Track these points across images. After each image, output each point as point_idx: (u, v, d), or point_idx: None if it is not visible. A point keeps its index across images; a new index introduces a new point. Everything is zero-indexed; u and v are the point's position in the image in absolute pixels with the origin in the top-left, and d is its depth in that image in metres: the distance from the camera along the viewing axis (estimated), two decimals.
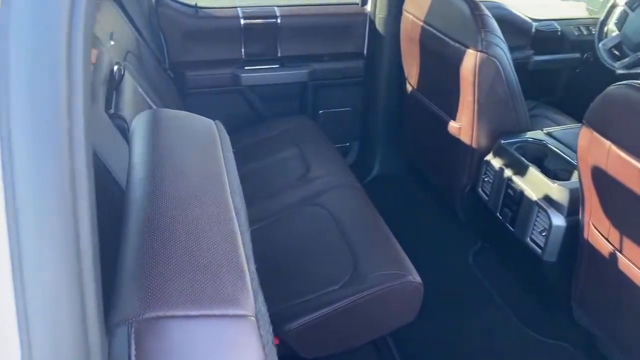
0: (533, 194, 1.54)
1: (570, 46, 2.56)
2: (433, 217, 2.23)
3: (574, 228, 1.44)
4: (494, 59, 1.64)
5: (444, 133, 1.90)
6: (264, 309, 0.56)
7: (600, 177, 1.20)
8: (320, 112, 2.39)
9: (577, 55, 2.56)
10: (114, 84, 1.16)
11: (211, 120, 0.89)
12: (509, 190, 1.64)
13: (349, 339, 1.42)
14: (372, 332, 1.46)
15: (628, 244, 1.21)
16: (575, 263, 1.46)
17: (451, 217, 2.07)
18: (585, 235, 1.37)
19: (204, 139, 0.80)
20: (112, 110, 1.11)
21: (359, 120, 2.47)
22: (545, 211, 1.49)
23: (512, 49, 2.56)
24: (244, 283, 0.54)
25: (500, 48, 1.65)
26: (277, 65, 2.26)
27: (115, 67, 1.20)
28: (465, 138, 1.82)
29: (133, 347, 0.49)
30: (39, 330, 0.40)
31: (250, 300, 0.54)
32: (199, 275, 0.54)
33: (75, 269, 0.42)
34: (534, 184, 1.56)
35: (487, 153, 1.77)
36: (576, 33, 2.57)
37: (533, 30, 2.50)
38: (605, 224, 1.27)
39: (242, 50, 2.20)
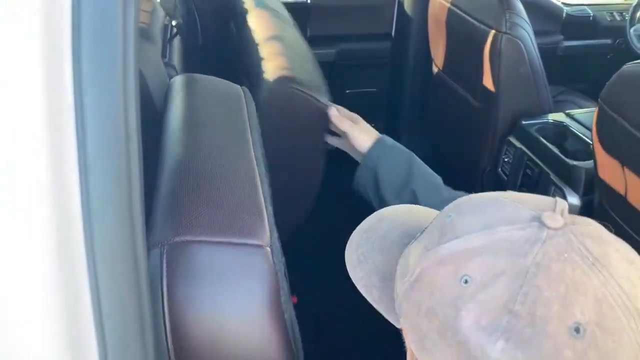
0: (550, 174, 1.58)
1: (602, 32, 2.54)
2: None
3: (589, 208, 1.47)
4: (517, 40, 1.66)
5: (466, 114, 1.93)
6: (278, 245, 0.64)
7: (612, 155, 1.23)
8: (347, 91, 2.45)
9: (609, 41, 2.54)
10: (167, 35, 1.26)
11: (239, 86, 0.97)
12: (527, 170, 1.68)
13: None
14: None
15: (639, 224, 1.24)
16: None
17: None
18: (599, 215, 1.41)
19: (233, 101, 0.88)
20: (166, 59, 1.21)
21: (385, 102, 2.52)
22: (562, 190, 1.53)
23: (541, 34, 2.56)
24: (261, 219, 0.62)
25: (525, 30, 1.67)
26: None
27: (174, 22, 1.30)
28: (486, 119, 1.85)
29: (165, 265, 0.57)
30: (100, 241, 0.46)
31: (267, 233, 0.61)
32: (223, 210, 0.62)
33: (127, 195, 0.48)
34: (552, 164, 1.59)
35: (508, 134, 1.80)
36: (609, 19, 2.54)
37: (564, 15, 2.49)
38: (619, 204, 1.30)
39: None
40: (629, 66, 1.12)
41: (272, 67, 1.16)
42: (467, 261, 0.44)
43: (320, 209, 1.44)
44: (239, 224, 0.61)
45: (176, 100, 0.83)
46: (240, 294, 0.59)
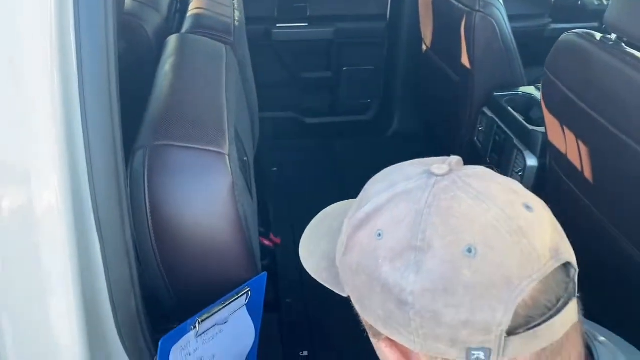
0: (514, 139, 1.74)
1: (589, 15, 2.66)
2: None
3: (545, 168, 1.63)
4: (490, 18, 1.83)
5: (448, 88, 2.10)
6: (236, 155, 0.83)
7: (555, 116, 1.39)
8: (345, 69, 2.63)
9: (596, 24, 2.66)
10: (173, 9, 1.47)
11: (223, 45, 1.17)
12: (496, 137, 1.85)
13: None
14: None
15: (581, 180, 1.40)
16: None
17: None
18: (550, 174, 1.57)
19: (214, 55, 1.08)
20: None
21: (380, 79, 2.69)
22: (522, 153, 1.69)
23: (529, 17, 2.71)
24: (223, 134, 0.82)
25: (497, 9, 1.83)
26: (306, 24, 2.50)
27: None
28: (464, 92, 2.02)
29: (147, 163, 0.78)
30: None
31: (227, 145, 0.81)
32: (194, 124, 0.82)
33: (108, 107, 0.67)
34: (515, 130, 1.76)
35: (483, 106, 1.97)
36: (596, 3, 2.67)
37: None
38: (563, 162, 1.46)
39: (275, 9, 2.46)
40: (565, 35, 1.28)
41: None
42: (377, 218, 0.51)
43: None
44: (205, 135, 0.81)
45: (168, 52, 1.04)
46: (204, 187, 0.79)
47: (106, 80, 0.59)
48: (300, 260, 0.63)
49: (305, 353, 1.54)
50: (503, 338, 0.47)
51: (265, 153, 2.03)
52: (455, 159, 0.53)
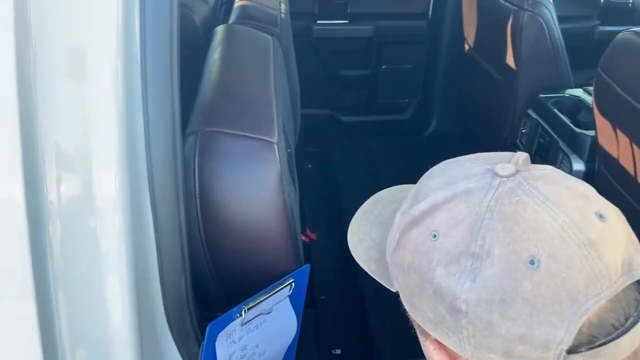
0: (560, 142, 1.69)
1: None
2: None
3: (593, 173, 1.58)
4: (538, 17, 1.78)
5: (491, 89, 2.06)
6: (284, 144, 0.83)
7: (607, 118, 1.34)
8: (383, 67, 2.60)
9: None
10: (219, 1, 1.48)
11: (269, 36, 1.16)
12: (540, 139, 1.80)
13: None
14: None
15: (634, 185, 1.35)
16: None
17: None
18: (598, 179, 1.52)
19: (262, 45, 1.08)
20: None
21: (419, 78, 2.66)
22: (568, 157, 1.64)
23: (577, 18, 2.63)
24: (272, 123, 0.82)
25: (546, 8, 1.78)
26: (346, 21, 2.49)
27: None
28: (508, 93, 1.97)
29: (197, 149, 0.78)
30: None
31: (275, 134, 0.81)
32: (244, 113, 0.82)
33: (169, 93, 0.67)
34: (561, 133, 1.70)
35: (527, 107, 1.92)
36: None
37: (602, 0, 2.54)
38: (614, 167, 1.41)
39: (316, 5, 2.45)
40: (622, 34, 1.23)
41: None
42: (433, 217, 0.48)
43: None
44: (255, 123, 0.81)
45: (217, 41, 1.04)
46: (252, 174, 0.78)
47: (168, 67, 0.60)
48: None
49: (338, 351, 1.53)
50: (562, 356, 0.44)
51: (300, 149, 2.04)
52: (522, 157, 0.49)
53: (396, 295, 0.53)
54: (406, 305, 0.52)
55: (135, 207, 0.60)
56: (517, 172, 0.47)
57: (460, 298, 0.45)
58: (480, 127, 2.33)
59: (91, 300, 0.61)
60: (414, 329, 0.54)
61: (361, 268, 0.57)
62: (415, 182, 0.55)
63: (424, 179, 0.54)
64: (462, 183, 0.48)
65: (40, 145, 0.56)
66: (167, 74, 0.60)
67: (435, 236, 0.48)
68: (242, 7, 1.26)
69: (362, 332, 1.60)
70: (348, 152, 2.62)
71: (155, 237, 0.61)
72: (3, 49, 0.53)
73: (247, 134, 0.79)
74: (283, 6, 1.40)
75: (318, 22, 2.47)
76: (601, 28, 2.55)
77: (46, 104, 0.56)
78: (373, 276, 0.56)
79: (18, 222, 0.56)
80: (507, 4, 1.86)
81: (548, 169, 0.50)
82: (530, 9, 1.77)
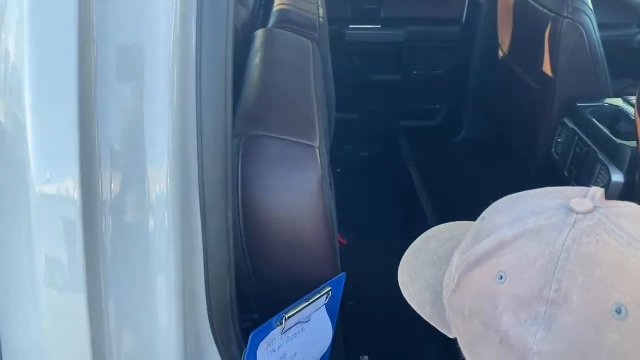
0: (597, 152, 1.65)
1: None
2: (509, 181, 2.36)
3: (633, 185, 1.53)
4: (578, 25, 1.74)
5: (525, 97, 2.02)
6: (324, 149, 0.83)
7: None
8: (414, 72, 2.59)
9: None
10: (258, 4, 1.49)
11: (309, 41, 1.17)
12: (577, 149, 1.76)
13: None
14: None
15: None
16: None
17: (527, 181, 2.18)
18: (639, 191, 1.47)
19: (302, 49, 1.08)
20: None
21: (450, 84, 2.63)
22: (607, 167, 1.60)
23: (616, 26, 2.57)
24: (314, 127, 0.82)
25: (586, 15, 1.74)
26: (379, 25, 2.48)
27: None
28: (544, 101, 1.93)
29: (241, 151, 0.78)
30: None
31: (317, 138, 0.81)
32: (287, 116, 0.82)
33: (223, 94, 0.67)
34: (599, 143, 1.66)
35: (563, 116, 1.88)
36: None
37: None
38: None
39: (349, 9, 2.45)
40: None
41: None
42: (500, 257, 0.44)
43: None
44: (297, 127, 0.81)
45: (257, 45, 1.05)
46: (294, 178, 0.78)
47: (223, 70, 0.60)
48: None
49: (366, 358, 1.52)
50: None
51: (330, 153, 2.04)
52: (598, 192, 0.45)
53: None
54: (466, 354, 0.47)
55: (185, 209, 0.61)
56: (594, 208, 0.43)
57: (532, 349, 0.41)
58: (512, 135, 2.29)
59: (138, 298, 0.62)
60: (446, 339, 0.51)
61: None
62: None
63: (487, 214, 0.49)
64: (531, 219, 0.44)
65: (97, 145, 0.57)
66: (222, 77, 0.61)
67: (501, 278, 0.43)
68: (281, 10, 1.27)
69: (390, 339, 1.58)
70: (377, 157, 2.61)
71: (203, 240, 0.62)
72: (67, 49, 0.54)
73: (289, 138, 0.79)
74: (321, 10, 1.40)
75: (350, 26, 2.47)
76: None
77: (103, 104, 0.57)
78: (427, 320, 0.52)
79: (73, 218, 0.57)
80: (545, 10, 1.83)
81: (630, 205, 0.46)
82: (570, 16, 1.73)
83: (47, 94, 0.56)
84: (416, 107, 2.66)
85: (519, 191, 0.56)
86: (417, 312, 0.53)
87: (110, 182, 0.59)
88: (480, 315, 0.44)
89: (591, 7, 1.76)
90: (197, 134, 0.60)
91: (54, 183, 0.58)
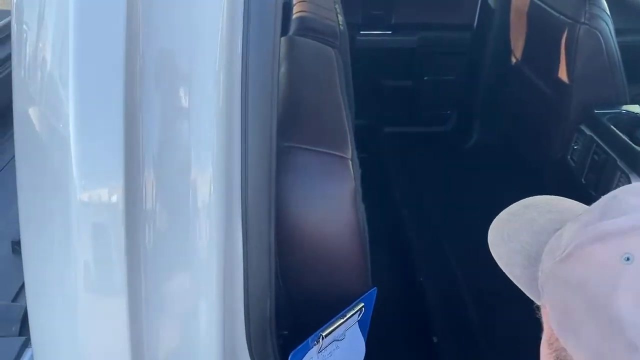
0: (617, 160, 1.63)
1: None
2: (523, 187, 2.34)
3: None
4: (596, 31, 1.72)
5: (540, 103, 2.01)
6: (357, 160, 0.81)
7: None
8: (425, 78, 2.57)
9: None
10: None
11: (331, 49, 1.15)
12: (595, 156, 1.74)
13: None
14: None
15: None
16: None
17: (541, 187, 2.16)
18: None
19: (328, 58, 1.07)
20: None
21: (462, 90, 2.62)
22: (627, 176, 1.58)
23: (630, 31, 2.55)
24: (345, 138, 0.80)
25: (604, 21, 1.73)
26: (390, 32, 2.47)
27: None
28: (560, 108, 1.91)
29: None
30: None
31: (350, 151, 0.79)
32: (318, 129, 0.80)
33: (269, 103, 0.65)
34: (619, 151, 1.64)
35: (580, 123, 1.86)
36: None
37: None
38: None
39: (360, 15, 2.44)
40: None
41: None
42: (631, 239, 0.43)
43: None
44: (329, 140, 0.79)
45: (281, 55, 1.03)
46: (327, 191, 0.77)
47: (269, 74, 0.58)
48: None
49: None
50: None
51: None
52: None
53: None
54: (554, 324, 0.46)
55: (227, 218, 0.59)
56: None
57: None
58: (525, 141, 2.28)
59: (178, 307, 0.60)
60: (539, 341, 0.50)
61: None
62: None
63: (622, 193, 0.48)
64: None
65: (141, 149, 0.56)
66: (268, 83, 0.59)
67: (628, 259, 0.42)
68: (301, 18, 1.25)
69: (416, 352, 1.56)
70: (388, 163, 2.59)
71: (244, 250, 0.60)
72: (113, 53, 0.53)
73: (321, 149, 0.77)
74: (340, 17, 1.39)
75: (361, 32, 2.46)
76: None
77: (148, 109, 0.56)
78: (515, 281, 0.51)
79: (116, 222, 0.55)
80: (562, 16, 1.81)
81: None
82: (587, 22, 1.72)
83: (92, 99, 0.55)
84: (428, 113, 2.65)
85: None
86: (505, 271, 0.52)
87: (154, 188, 0.57)
88: (590, 290, 0.43)
89: (608, 12, 1.75)
90: (241, 143, 0.59)
91: (97, 189, 0.57)
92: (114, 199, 0.55)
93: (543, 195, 0.59)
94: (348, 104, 1.22)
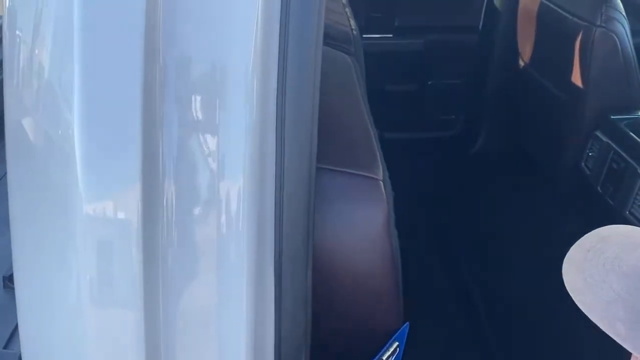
0: (638, 168, 1.57)
1: None
2: (534, 194, 2.27)
3: None
4: (612, 34, 1.66)
5: (551, 108, 1.94)
6: (389, 180, 0.74)
7: None
8: (430, 82, 2.51)
9: None
10: None
11: (347, 57, 1.08)
12: (613, 164, 1.68)
13: None
14: None
15: None
16: None
17: (551, 195, 2.11)
18: None
19: (346, 67, 0.99)
20: None
21: (467, 95, 2.56)
22: None
23: (637, 33, 2.50)
24: (375, 157, 0.72)
25: (620, 24, 1.67)
26: (392, 35, 2.41)
27: None
28: (573, 113, 1.85)
29: None
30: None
31: (380, 171, 0.71)
32: (345, 147, 0.73)
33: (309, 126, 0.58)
34: None
35: (595, 128, 1.80)
36: None
37: None
38: None
39: (362, 18, 2.37)
40: None
41: None
42: None
43: None
44: (359, 160, 0.71)
45: None
46: (357, 216, 0.69)
47: (310, 87, 0.51)
48: None
49: None
50: None
51: None
52: None
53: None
54: None
55: (259, 243, 0.52)
56: None
57: None
58: (535, 147, 2.21)
59: (204, 328, 0.53)
60: None
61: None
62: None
63: None
64: None
65: (160, 161, 0.49)
66: (309, 98, 0.52)
67: None
68: None
69: None
70: (393, 170, 2.52)
71: (275, 295, 0.52)
72: (129, 59, 0.46)
73: (350, 170, 0.70)
74: (352, 22, 1.32)
75: (364, 35, 2.38)
76: None
77: (169, 117, 0.49)
78: (619, 341, 0.44)
79: (134, 232, 0.49)
80: (575, 19, 1.75)
81: None
82: (603, 25, 1.66)
83: (106, 107, 0.49)
84: (432, 118, 2.59)
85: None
86: (602, 328, 0.44)
87: (175, 197, 0.50)
88: None
89: (625, 15, 1.69)
90: (276, 163, 0.52)
91: (111, 199, 0.50)
92: (131, 205, 0.49)
93: (616, 226, 0.54)
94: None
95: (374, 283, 0.70)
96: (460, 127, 2.63)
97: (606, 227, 0.53)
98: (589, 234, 0.52)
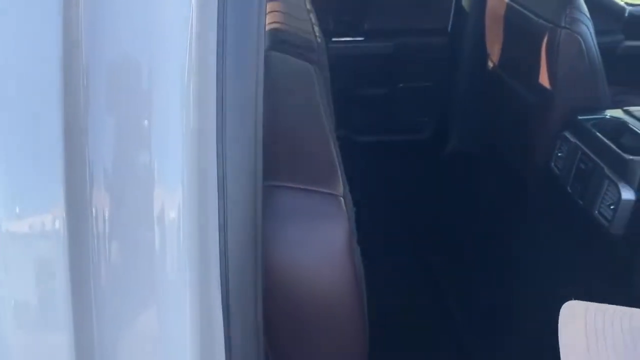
0: (605, 168, 1.58)
1: None
2: (506, 195, 2.28)
3: None
4: (577, 35, 1.67)
5: (521, 110, 1.95)
6: (349, 196, 0.71)
7: None
8: (401, 85, 2.50)
9: None
10: None
11: (310, 66, 1.05)
12: (581, 165, 1.69)
13: None
14: None
15: None
16: None
17: (523, 195, 2.12)
18: None
19: (308, 77, 0.97)
20: None
21: (438, 97, 2.56)
22: (616, 185, 1.53)
23: (601, 33, 2.53)
24: (335, 171, 0.70)
25: (585, 25, 1.68)
26: (362, 38, 2.39)
27: None
28: (542, 114, 1.86)
29: None
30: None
31: (340, 186, 0.69)
32: (303, 163, 0.70)
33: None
34: (606, 158, 1.59)
35: (563, 129, 1.81)
36: None
37: (626, 14, 2.45)
38: None
39: (331, 21, 2.35)
40: None
41: None
42: None
43: None
44: (315, 174, 0.68)
45: None
46: (318, 235, 0.66)
47: (253, 88, 0.48)
48: None
49: None
50: None
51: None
52: None
53: None
54: None
55: (201, 261, 0.48)
56: None
57: None
58: (505, 148, 2.22)
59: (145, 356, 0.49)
60: None
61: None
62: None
63: None
64: None
65: (87, 162, 0.46)
66: (252, 99, 0.49)
67: None
68: (274, 31, 1.15)
69: None
70: (364, 173, 2.50)
71: (225, 336, 0.49)
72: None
73: (307, 187, 0.67)
74: (316, 28, 1.29)
75: (333, 39, 2.36)
76: (626, 43, 2.46)
77: (95, 122, 0.45)
78: None
79: (60, 245, 0.45)
80: (541, 20, 1.76)
81: None
82: (568, 26, 1.67)
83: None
84: (403, 121, 2.58)
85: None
86: None
87: (105, 215, 0.47)
88: None
89: (589, 16, 1.70)
90: (217, 172, 0.49)
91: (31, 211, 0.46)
92: (56, 223, 0.45)
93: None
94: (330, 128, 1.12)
95: (337, 305, 0.67)
96: (432, 129, 2.63)
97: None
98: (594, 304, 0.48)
